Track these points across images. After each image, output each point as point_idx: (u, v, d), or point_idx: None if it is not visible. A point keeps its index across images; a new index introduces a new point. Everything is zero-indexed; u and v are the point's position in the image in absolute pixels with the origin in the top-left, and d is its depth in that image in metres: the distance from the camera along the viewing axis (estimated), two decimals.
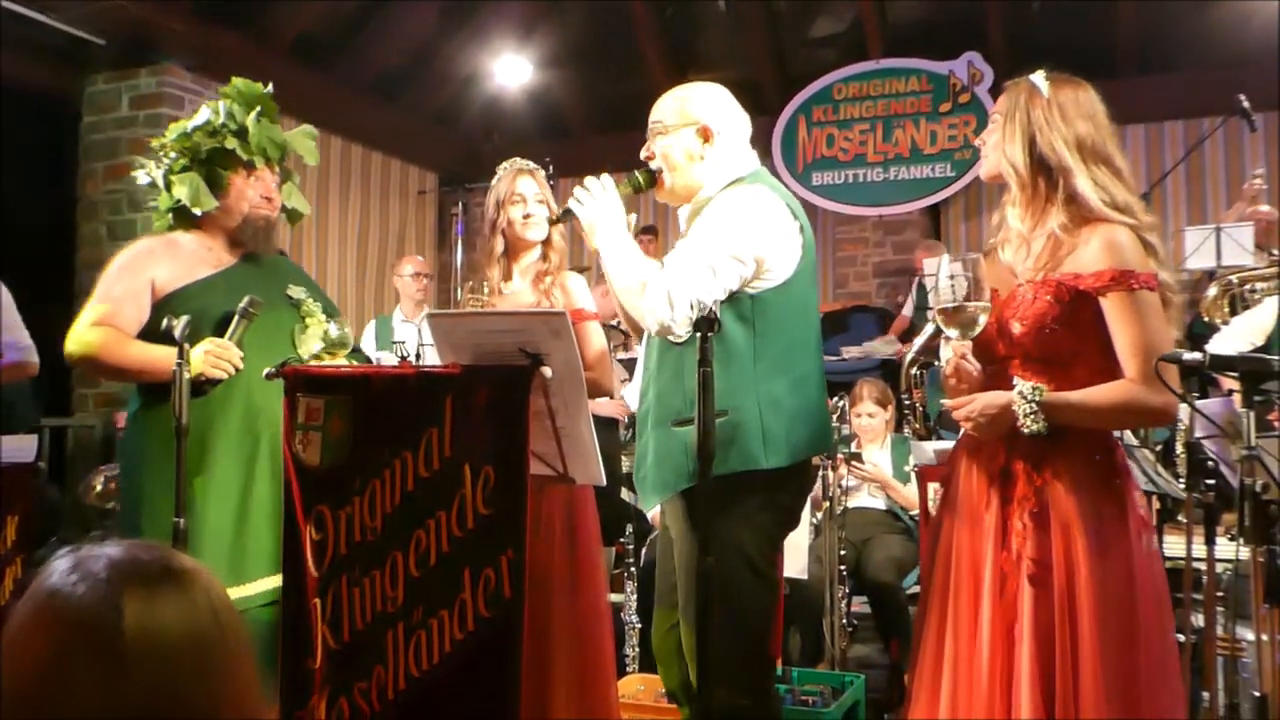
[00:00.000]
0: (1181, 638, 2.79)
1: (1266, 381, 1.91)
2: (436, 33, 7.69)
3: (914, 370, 4.30)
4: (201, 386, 2.55)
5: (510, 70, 7.77)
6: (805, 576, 3.98)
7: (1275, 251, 4.88)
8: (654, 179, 2.49)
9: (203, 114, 2.75)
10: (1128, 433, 2.91)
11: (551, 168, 3.48)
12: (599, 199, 2.43)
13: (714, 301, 2.24)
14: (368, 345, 5.68)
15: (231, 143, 2.72)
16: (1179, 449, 3.31)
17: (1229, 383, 3.38)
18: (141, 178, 2.82)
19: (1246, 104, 4.47)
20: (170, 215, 2.77)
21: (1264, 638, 2.02)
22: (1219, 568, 3.01)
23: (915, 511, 4.29)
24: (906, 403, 4.58)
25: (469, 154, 8.50)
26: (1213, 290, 4.74)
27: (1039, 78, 2.13)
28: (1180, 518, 3.26)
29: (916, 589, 4.14)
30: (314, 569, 2.13)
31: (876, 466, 4.57)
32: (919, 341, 4.31)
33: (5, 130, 5.37)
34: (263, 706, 1.09)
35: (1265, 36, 6.35)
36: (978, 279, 2.03)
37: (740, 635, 2.30)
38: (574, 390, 2.13)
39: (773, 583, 2.46)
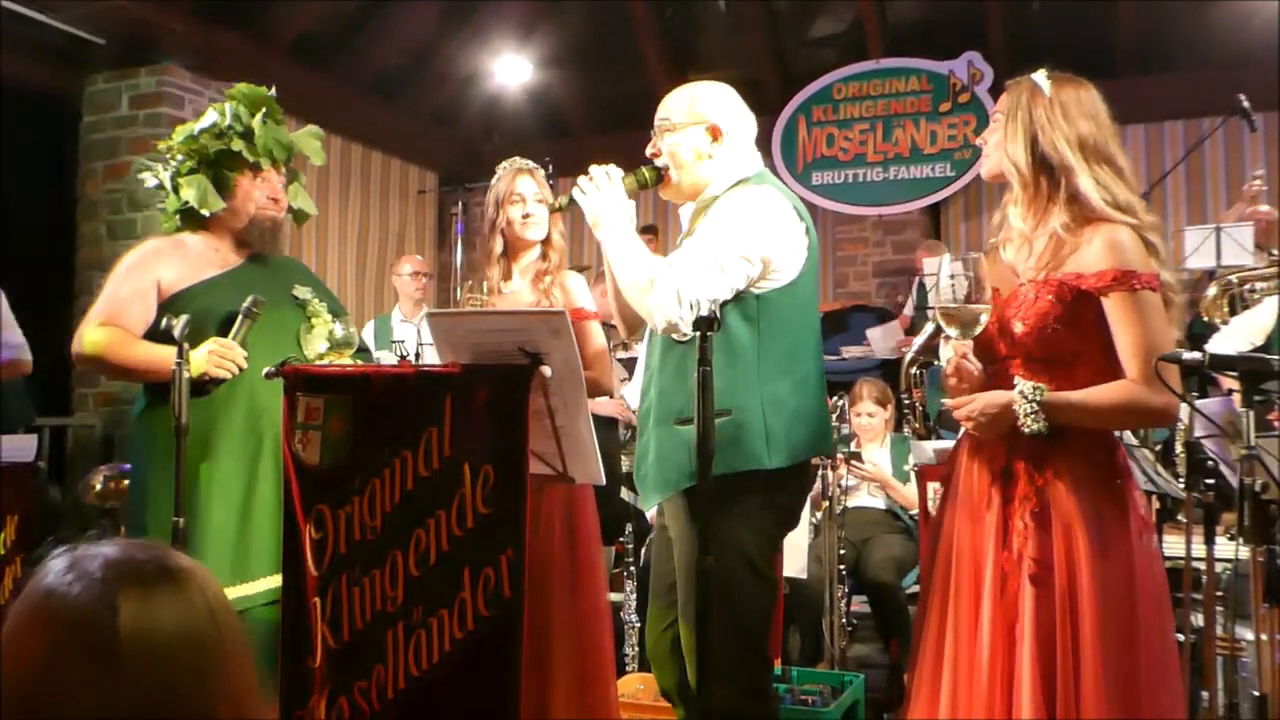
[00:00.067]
0: (1181, 637, 2.79)
1: (1266, 381, 1.91)
2: (436, 32, 7.69)
3: (914, 370, 4.30)
4: (205, 386, 2.56)
5: (510, 70, 7.77)
6: (805, 576, 3.98)
7: (1275, 251, 4.88)
8: (660, 176, 2.49)
9: (209, 116, 2.78)
10: (1127, 432, 2.91)
11: (551, 167, 3.48)
12: (604, 190, 2.42)
13: (718, 300, 2.25)
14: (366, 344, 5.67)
15: (238, 144, 2.74)
16: (1179, 448, 3.31)
17: (1229, 382, 3.37)
18: (149, 180, 2.85)
19: (1246, 104, 4.47)
20: (178, 217, 2.80)
21: (1263, 637, 2.02)
22: (1218, 567, 3.01)
23: (915, 511, 4.29)
24: (906, 402, 4.58)
25: (469, 154, 8.50)
26: (1212, 290, 4.74)
27: (1041, 77, 2.13)
28: (1180, 517, 3.26)
29: (916, 588, 4.13)
30: (314, 568, 2.13)
31: (876, 466, 4.57)
32: (919, 341, 4.31)
33: (5, 130, 5.37)
34: (261, 706, 1.09)
35: (1265, 36, 6.35)
36: (979, 278, 2.03)
37: (739, 635, 2.30)
38: (573, 389, 2.13)
39: (772, 583, 2.46)
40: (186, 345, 2.39)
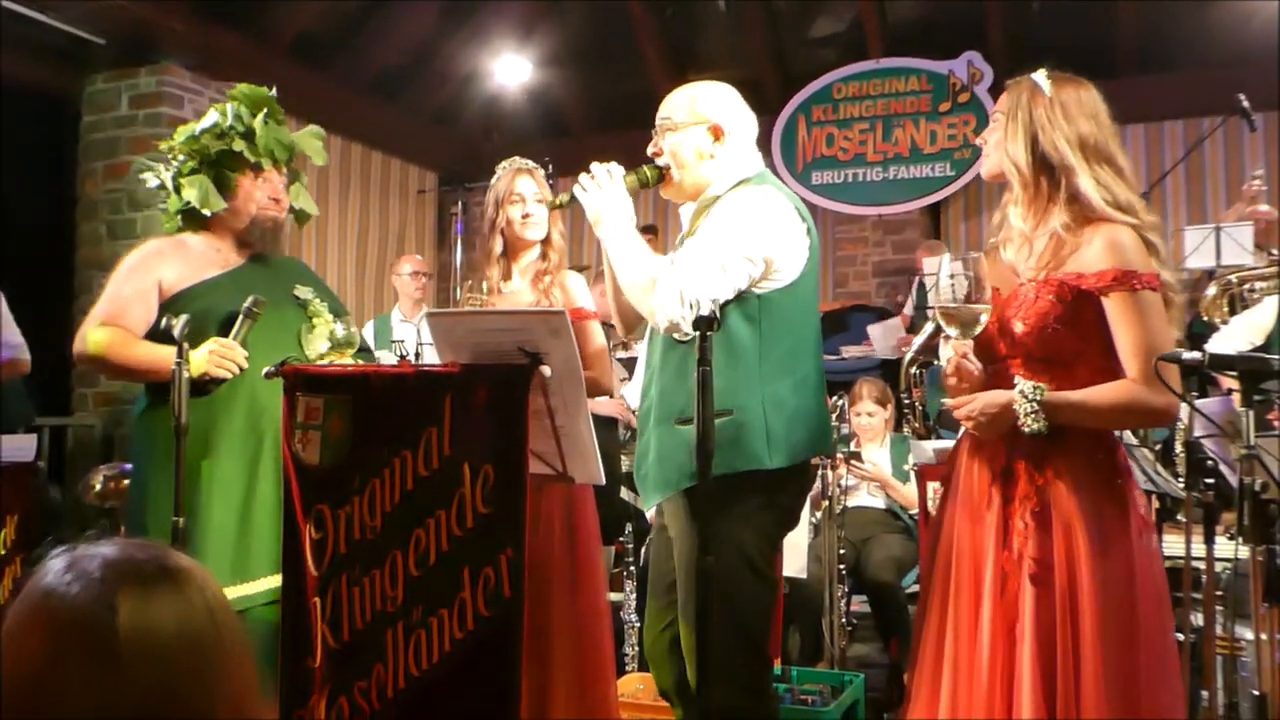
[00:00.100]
0: (1181, 637, 2.79)
1: (1266, 381, 1.91)
2: (436, 32, 7.69)
3: (913, 369, 4.30)
4: (206, 386, 2.57)
5: (510, 69, 7.77)
6: (805, 576, 3.98)
7: (1275, 251, 4.88)
8: (661, 175, 2.49)
9: (210, 117, 2.79)
10: (1127, 432, 2.91)
11: (551, 167, 3.48)
12: (606, 188, 2.42)
13: (719, 300, 2.25)
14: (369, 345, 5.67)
15: (239, 145, 2.75)
16: (1178, 448, 3.31)
17: (1228, 382, 3.37)
18: (151, 180, 2.85)
19: (1246, 103, 4.48)
20: (179, 217, 2.81)
21: (1263, 637, 2.02)
22: (1218, 567, 3.00)
23: (915, 511, 4.29)
24: (906, 402, 4.58)
25: (468, 153, 8.50)
26: (1212, 290, 4.74)
27: (1041, 76, 2.12)
28: (1180, 517, 3.26)
29: (916, 588, 4.13)
30: (314, 568, 2.13)
31: (876, 465, 4.57)
32: (918, 340, 4.31)
33: (5, 129, 5.37)
34: (261, 706, 1.09)
35: (1265, 36, 6.35)
36: (978, 278, 2.03)
37: (739, 634, 2.30)
38: (573, 389, 2.13)
39: (772, 582, 2.46)
40: (186, 345, 2.40)
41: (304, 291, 2.82)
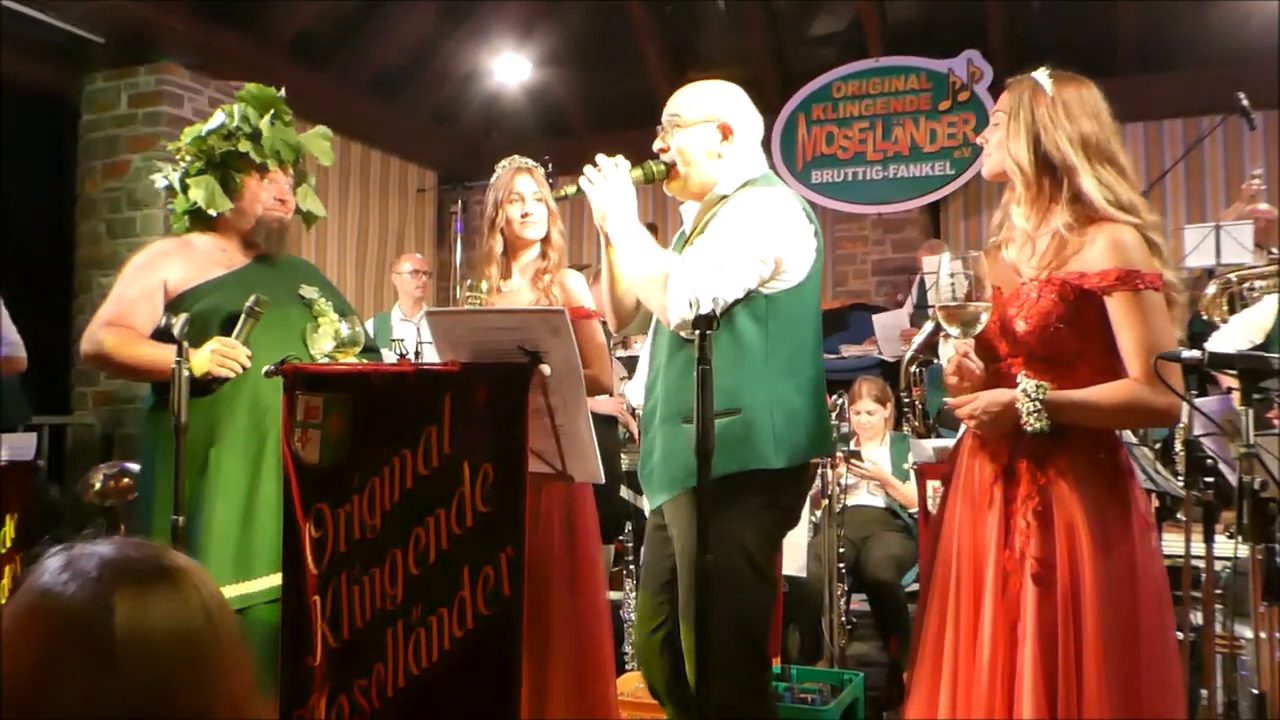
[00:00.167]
0: (1180, 635, 2.79)
1: (1265, 379, 1.91)
2: (436, 31, 7.69)
3: (913, 368, 4.30)
4: (209, 385, 2.59)
5: (509, 68, 7.77)
6: (804, 574, 3.98)
7: (1274, 250, 4.88)
8: (668, 171, 2.48)
9: (217, 118, 2.80)
10: (1126, 430, 2.91)
11: (551, 166, 3.48)
12: (613, 181, 2.40)
13: (727, 299, 2.25)
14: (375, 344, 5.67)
15: (245, 146, 2.77)
16: (1178, 447, 3.31)
17: (1228, 380, 3.37)
18: (159, 181, 2.88)
19: (1246, 102, 4.47)
20: (186, 218, 2.83)
21: (1262, 635, 2.02)
22: (1218, 565, 3.00)
23: (914, 509, 4.29)
24: (906, 400, 4.58)
25: (468, 152, 8.50)
26: (1211, 288, 4.74)
27: (1042, 75, 2.12)
28: (1179, 516, 3.26)
29: (915, 587, 4.14)
30: (313, 567, 2.13)
31: (875, 464, 4.57)
32: (918, 339, 4.31)
33: (5, 128, 5.37)
34: (259, 705, 1.09)
35: (1265, 35, 6.35)
36: (979, 277, 2.03)
37: (739, 633, 2.30)
38: (573, 388, 2.13)
39: (772, 581, 2.47)
40: (187, 344, 2.41)
41: (309, 291, 2.84)
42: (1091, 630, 1.94)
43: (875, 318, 6.79)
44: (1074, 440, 2.02)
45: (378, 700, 2.05)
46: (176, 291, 2.70)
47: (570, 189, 2.46)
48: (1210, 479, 2.77)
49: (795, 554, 3.80)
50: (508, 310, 2.77)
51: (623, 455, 4.50)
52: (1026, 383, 2.00)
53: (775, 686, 3.27)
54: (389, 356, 4.62)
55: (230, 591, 2.53)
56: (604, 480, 2.35)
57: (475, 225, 5.41)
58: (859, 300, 7.75)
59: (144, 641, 0.98)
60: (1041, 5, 7.12)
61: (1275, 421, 3.14)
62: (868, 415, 4.72)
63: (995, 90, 7.29)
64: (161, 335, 2.64)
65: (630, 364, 4.55)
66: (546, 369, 2.03)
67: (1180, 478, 3.03)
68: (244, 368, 2.59)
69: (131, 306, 2.69)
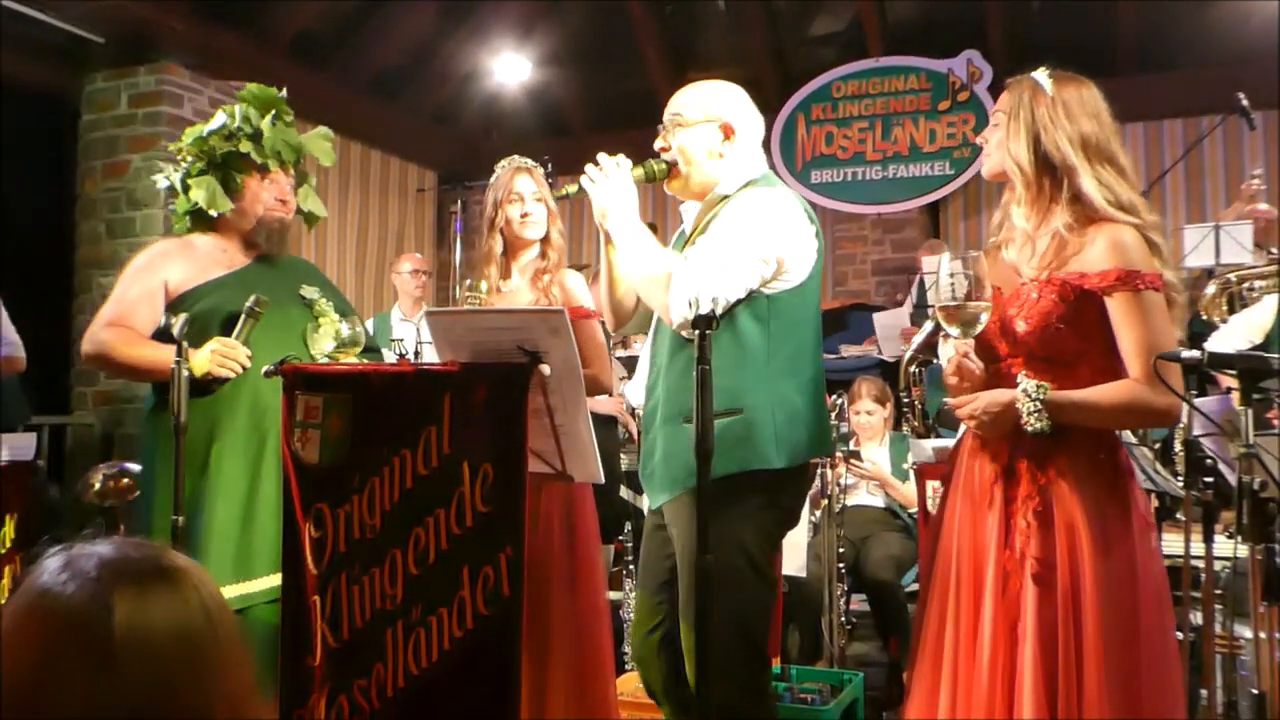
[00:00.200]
0: (1180, 635, 2.79)
1: (1265, 379, 1.91)
2: (436, 31, 7.69)
3: (912, 368, 4.30)
4: (209, 385, 2.59)
5: (509, 68, 7.77)
6: (804, 574, 3.98)
7: (1274, 250, 4.88)
8: (669, 171, 2.48)
9: (218, 118, 2.81)
10: (1126, 430, 2.91)
11: (551, 166, 3.48)
12: (614, 179, 2.40)
13: (731, 299, 2.25)
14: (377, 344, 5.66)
15: (246, 146, 2.78)
16: (1177, 447, 3.31)
17: (1227, 380, 3.37)
18: (161, 181, 2.89)
19: (1245, 102, 4.48)
20: (188, 218, 2.84)
21: (1262, 635, 2.02)
22: (1217, 565, 3.00)
23: (914, 509, 4.29)
24: (905, 400, 4.57)
25: (468, 152, 8.50)
26: (1211, 288, 4.74)
27: (1042, 75, 2.12)
28: (1179, 516, 3.26)
29: (915, 587, 4.13)
30: (313, 567, 2.13)
31: (875, 464, 4.57)
32: (918, 339, 4.31)
33: (5, 128, 5.37)
34: (259, 705, 1.09)
35: (1264, 35, 6.35)
36: (979, 277, 2.03)
37: (739, 633, 2.30)
38: (572, 388, 2.13)
39: (772, 582, 2.47)
40: (186, 344, 2.41)
41: (310, 291, 2.85)
42: (1092, 630, 1.94)
43: (876, 316, 6.79)
44: (1074, 440, 2.02)
45: (377, 700, 2.05)
46: (177, 292, 2.71)
47: (571, 188, 2.46)
48: (1210, 479, 2.77)
49: (795, 554, 3.80)
50: (507, 310, 2.77)
51: (622, 455, 4.50)
52: (1027, 383, 2.00)
53: (775, 686, 3.27)
54: (389, 356, 4.62)
55: (231, 591, 2.53)
56: (604, 480, 2.35)
57: (475, 225, 5.41)
58: (858, 300, 7.75)
59: (143, 641, 0.98)
60: (1041, 5, 7.12)
61: (1275, 421, 3.14)
62: (867, 415, 4.72)
63: (995, 90, 7.29)
64: (162, 335, 2.65)
65: (630, 364, 4.55)
66: (546, 369, 2.03)
67: (1180, 478, 3.03)
68: (244, 368, 2.60)
69: (132, 307, 2.70)
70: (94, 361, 2.75)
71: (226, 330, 2.63)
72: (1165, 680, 2.01)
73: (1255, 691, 2.02)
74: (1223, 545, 2.95)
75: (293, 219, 2.91)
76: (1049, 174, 2.08)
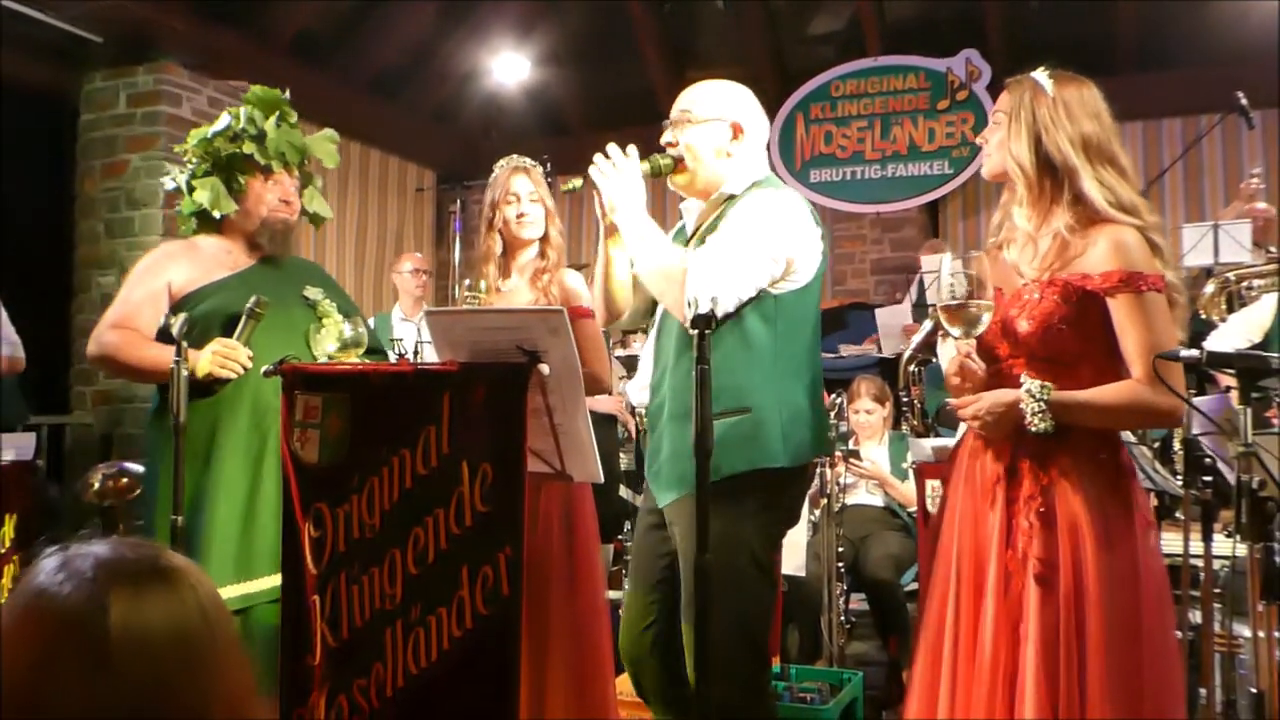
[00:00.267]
0: (1179, 634, 2.79)
1: (1264, 378, 1.91)
2: (435, 30, 7.68)
3: (911, 367, 4.30)
4: (211, 386, 2.60)
5: (509, 67, 7.76)
6: (803, 574, 3.98)
7: (1273, 249, 4.88)
8: (674, 167, 2.48)
9: (223, 119, 2.83)
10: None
11: (550, 165, 3.48)
12: (623, 172, 2.39)
13: (739, 299, 2.25)
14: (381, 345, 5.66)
15: (249, 147, 2.79)
16: (1176, 446, 3.31)
17: (1226, 379, 3.38)
18: (168, 183, 2.90)
19: (1244, 101, 4.48)
20: (194, 219, 2.85)
21: (1261, 634, 2.02)
22: (1216, 564, 3.01)
23: (913, 509, 4.29)
24: (904, 399, 4.58)
25: (467, 151, 8.49)
26: (1210, 287, 4.74)
27: (1042, 75, 2.11)
28: (1178, 515, 3.26)
29: (914, 586, 4.14)
30: (313, 566, 2.13)
31: (874, 463, 4.57)
32: (917, 338, 4.31)
33: (3, 128, 5.37)
34: (257, 705, 1.08)
35: (1263, 34, 6.35)
36: (979, 277, 2.02)
37: (742, 633, 2.31)
38: (572, 387, 2.13)
39: (773, 581, 2.47)
40: (185, 344, 2.42)
41: (313, 292, 2.86)
42: (1095, 630, 1.94)
43: (878, 312, 6.78)
44: (1076, 440, 2.02)
45: (377, 700, 2.05)
46: (181, 293, 2.72)
47: (576, 182, 2.45)
48: (1209, 478, 2.77)
49: (794, 553, 3.80)
50: (506, 310, 2.77)
51: (621, 454, 4.50)
52: (1031, 383, 2.00)
53: (775, 686, 3.27)
54: (389, 356, 4.61)
55: (232, 591, 2.54)
56: (603, 480, 2.35)
57: (474, 224, 5.42)
58: (858, 299, 7.75)
59: (139, 641, 0.97)
60: (1040, 4, 7.11)
61: (1274, 420, 3.15)
62: (866, 414, 4.72)
63: (994, 89, 7.29)
64: (161, 335, 2.66)
65: (630, 364, 4.54)
66: (545, 369, 2.03)
67: (1179, 476, 3.03)
68: (245, 369, 2.60)
69: (137, 309, 2.72)
70: (99, 363, 2.76)
71: (228, 331, 2.64)
72: (1166, 680, 2.01)
73: (1254, 690, 2.02)
74: (1221, 544, 2.95)
75: (297, 220, 2.91)
76: (1050, 175, 2.07)
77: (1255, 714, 1.97)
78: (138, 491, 3.19)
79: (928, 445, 3.77)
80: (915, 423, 4.67)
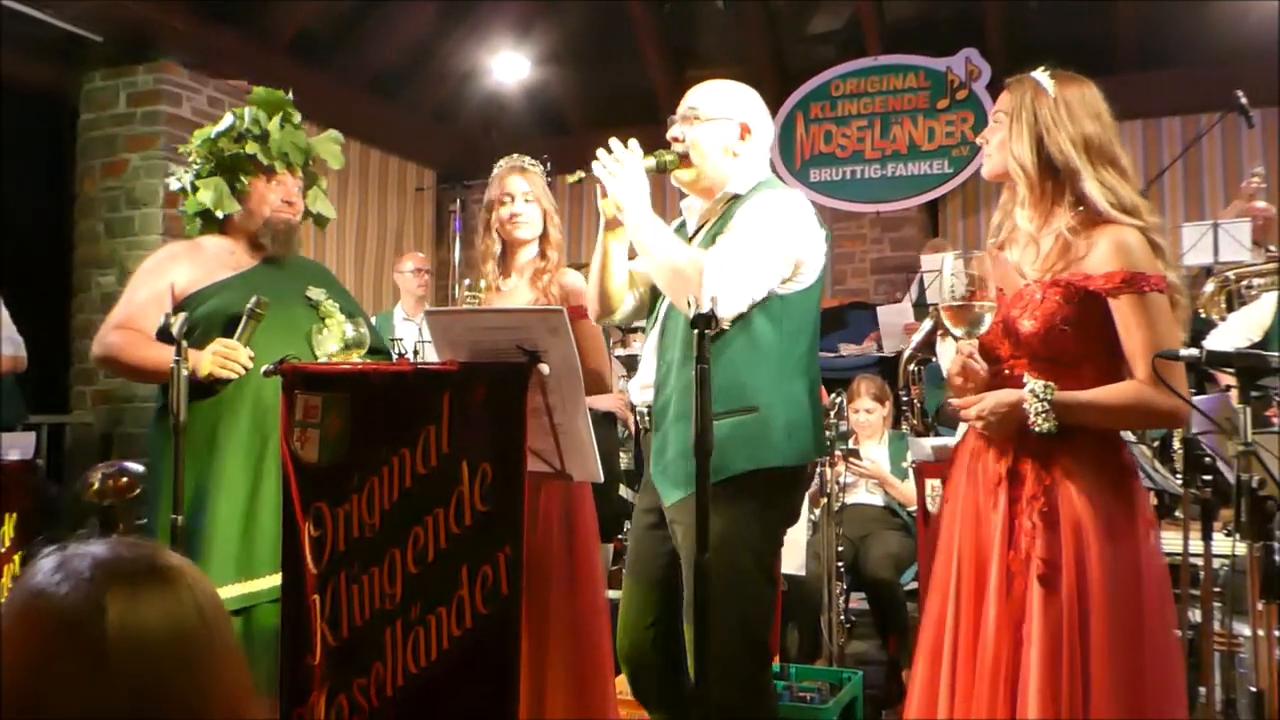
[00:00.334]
0: (1179, 633, 2.79)
1: (1263, 377, 1.91)
2: (435, 30, 7.68)
3: (911, 366, 4.30)
4: (212, 386, 2.61)
5: (508, 67, 7.76)
6: (803, 573, 3.98)
7: (1272, 248, 4.88)
8: (679, 162, 2.48)
9: (227, 120, 2.84)
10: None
11: (549, 164, 3.47)
12: (630, 169, 2.38)
13: (754, 299, 2.25)
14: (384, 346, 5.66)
15: (252, 148, 2.79)
16: (1176, 445, 3.31)
17: (1226, 378, 3.38)
18: (173, 183, 2.91)
19: (1244, 100, 4.48)
20: (198, 220, 2.86)
21: (1260, 633, 2.02)
22: (1216, 563, 3.01)
23: (913, 508, 4.29)
24: (904, 399, 4.58)
25: (467, 151, 8.49)
26: (1210, 286, 4.74)
27: (1043, 75, 2.11)
28: (1177, 514, 3.26)
29: (914, 585, 4.14)
30: (313, 566, 2.13)
31: (874, 463, 4.57)
32: (917, 337, 4.31)
33: (3, 127, 5.37)
34: (255, 704, 1.08)
35: (1263, 32, 6.35)
36: (982, 277, 2.02)
37: (742, 632, 2.31)
38: (572, 387, 2.13)
39: (774, 580, 2.47)
40: (185, 344, 2.41)
41: (316, 292, 2.87)
42: (1098, 630, 1.94)
43: (880, 309, 6.77)
44: (1079, 440, 2.02)
45: (376, 699, 2.05)
46: (184, 293, 2.73)
47: (580, 174, 2.43)
48: (1208, 477, 2.77)
49: (794, 552, 3.80)
50: (506, 310, 2.78)
51: (621, 453, 4.50)
52: (1035, 383, 2.00)
53: (775, 685, 3.27)
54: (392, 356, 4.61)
55: (233, 591, 2.54)
56: (603, 479, 2.35)
57: (474, 224, 5.42)
58: (858, 299, 7.74)
59: (137, 641, 0.97)
60: (1040, 4, 7.11)
61: (1274, 419, 3.15)
62: (866, 414, 4.72)
63: (994, 89, 7.29)
64: (161, 335, 2.65)
65: (630, 363, 4.54)
66: (545, 368, 2.03)
67: (1178, 475, 3.03)
68: (246, 369, 2.61)
69: (141, 309, 2.72)
70: (103, 364, 2.78)
71: (230, 332, 2.64)
72: (1168, 679, 2.01)
73: (1254, 689, 2.02)
74: (1221, 543, 2.95)
75: (301, 221, 2.91)
76: (1052, 176, 2.07)
77: (1255, 713, 1.97)
78: (137, 491, 3.20)
79: (928, 444, 3.77)
80: (915, 422, 4.67)
